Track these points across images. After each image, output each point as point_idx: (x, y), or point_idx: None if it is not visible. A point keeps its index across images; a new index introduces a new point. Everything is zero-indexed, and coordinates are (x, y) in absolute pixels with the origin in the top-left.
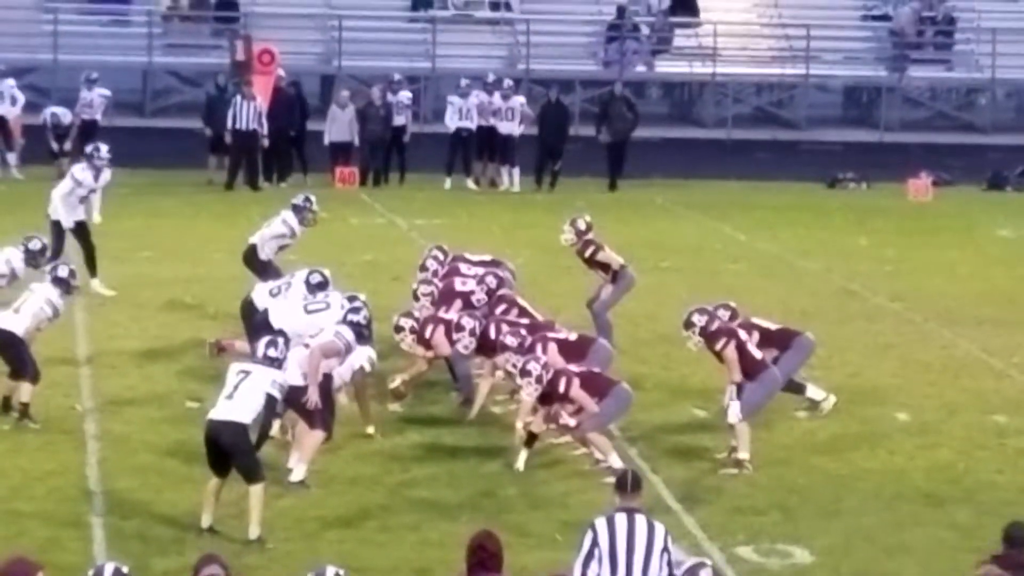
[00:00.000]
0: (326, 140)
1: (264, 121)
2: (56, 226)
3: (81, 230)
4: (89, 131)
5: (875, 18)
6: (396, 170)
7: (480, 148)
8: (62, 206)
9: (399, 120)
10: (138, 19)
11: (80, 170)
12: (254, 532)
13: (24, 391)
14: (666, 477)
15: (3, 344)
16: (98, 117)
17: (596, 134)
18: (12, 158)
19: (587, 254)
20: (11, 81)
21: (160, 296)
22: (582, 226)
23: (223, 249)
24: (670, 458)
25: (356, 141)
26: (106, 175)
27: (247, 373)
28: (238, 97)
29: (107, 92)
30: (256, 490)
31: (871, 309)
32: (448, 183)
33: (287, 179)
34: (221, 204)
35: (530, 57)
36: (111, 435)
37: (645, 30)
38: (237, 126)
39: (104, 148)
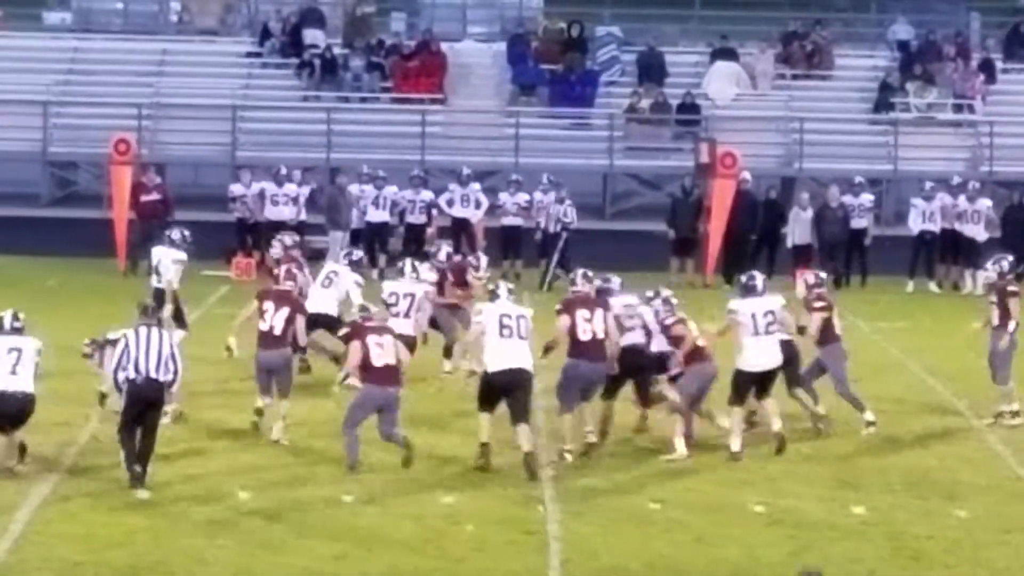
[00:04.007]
0: (788, 243)
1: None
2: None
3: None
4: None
5: None
6: (857, 272)
7: (943, 251)
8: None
9: (860, 222)
10: (599, 122)
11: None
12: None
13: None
14: None
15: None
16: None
17: None
18: (474, 260)
19: None
20: (476, 185)
21: None
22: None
23: None
24: None
25: (816, 243)
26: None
27: (19, 350)
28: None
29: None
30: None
31: None
32: (910, 286)
33: None
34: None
35: (993, 159)
36: (574, 536)
37: None
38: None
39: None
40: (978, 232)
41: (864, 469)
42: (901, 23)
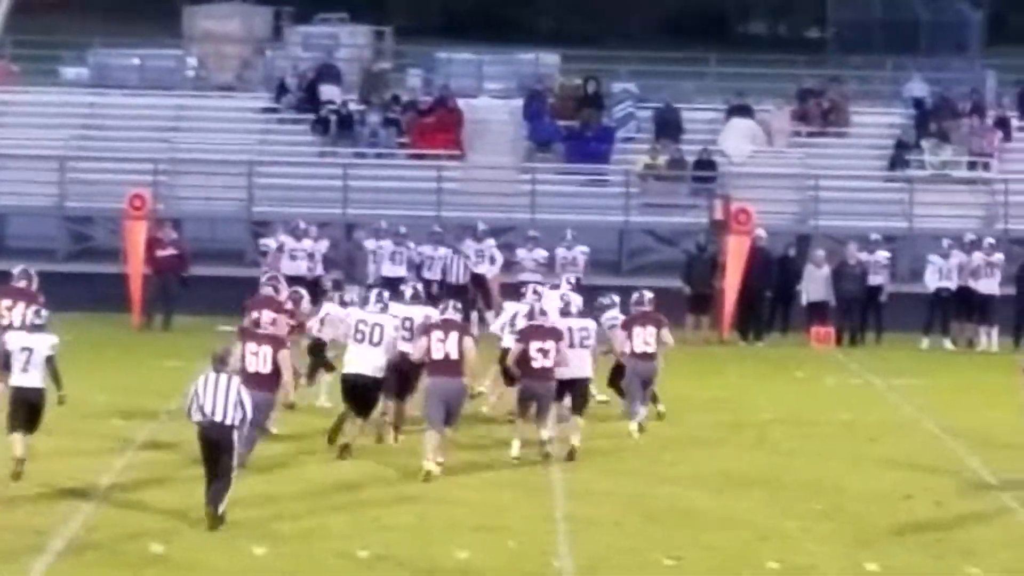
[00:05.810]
0: (803, 300)
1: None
2: None
3: None
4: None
5: None
6: (872, 329)
7: (959, 308)
8: None
9: (876, 279)
10: (615, 179)
11: None
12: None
13: None
14: None
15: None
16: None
17: None
18: (491, 317)
19: None
20: (491, 241)
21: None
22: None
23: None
24: None
25: (832, 300)
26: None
27: (30, 349)
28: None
29: (586, 249)
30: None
31: None
32: (925, 343)
33: (763, 338)
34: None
35: (1008, 217)
36: None
37: None
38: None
39: None
40: (993, 288)
41: (878, 526)
42: (916, 81)
